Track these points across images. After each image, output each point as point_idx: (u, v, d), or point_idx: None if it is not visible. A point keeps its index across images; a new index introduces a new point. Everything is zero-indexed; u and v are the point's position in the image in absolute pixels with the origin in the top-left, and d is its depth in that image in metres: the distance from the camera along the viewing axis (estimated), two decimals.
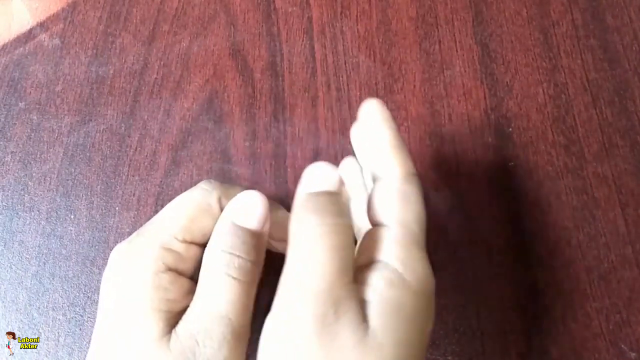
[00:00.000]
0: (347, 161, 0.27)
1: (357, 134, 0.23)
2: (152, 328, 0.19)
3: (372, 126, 0.21)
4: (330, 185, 0.19)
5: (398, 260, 0.18)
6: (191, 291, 0.21)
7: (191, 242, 0.21)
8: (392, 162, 0.20)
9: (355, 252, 0.19)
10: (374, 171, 0.21)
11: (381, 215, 0.19)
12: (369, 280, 0.18)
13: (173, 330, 0.19)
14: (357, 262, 0.19)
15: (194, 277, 0.21)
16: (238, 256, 0.20)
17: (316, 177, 0.19)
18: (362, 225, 0.22)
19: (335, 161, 0.31)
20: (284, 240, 0.21)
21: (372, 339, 0.16)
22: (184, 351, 0.19)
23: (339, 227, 0.17)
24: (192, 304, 0.20)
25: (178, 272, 0.21)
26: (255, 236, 0.21)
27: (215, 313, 0.20)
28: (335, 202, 0.18)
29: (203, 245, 0.22)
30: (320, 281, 0.16)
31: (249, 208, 0.21)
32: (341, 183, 0.19)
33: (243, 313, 0.20)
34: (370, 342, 0.16)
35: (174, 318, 0.20)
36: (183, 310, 0.20)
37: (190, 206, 0.22)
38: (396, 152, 0.20)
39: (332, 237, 0.17)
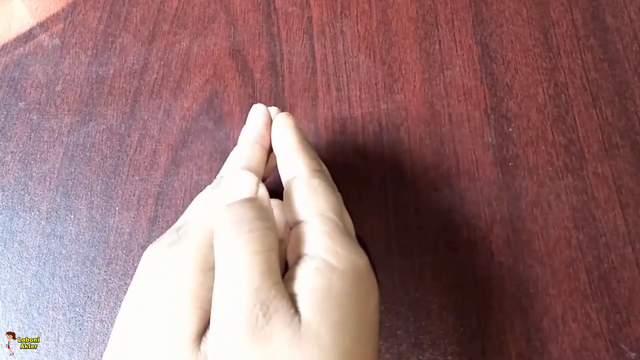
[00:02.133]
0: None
1: (273, 138, 0.24)
2: (191, 325, 0.18)
3: (277, 136, 0.23)
4: (247, 191, 0.19)
5: (322, 248, 0.19)
6: None
7: None
8: (296, 164, 0.22)
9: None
10: (284, 175, 0.22)
11: (297, 212, 0.20)
12: (297, 274, 0.18)
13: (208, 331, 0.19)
14: (289, 262, 0.20)
15: None
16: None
17: (234, 185, 0.20)
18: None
19: (335, 161, 0.32)
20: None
21: (307, 330, 0.17)
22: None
23: (257, 232, 0.18)
24: (211, 319, 0.20)
25: None
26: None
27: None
28: (252, 207, 0.19)
29: None
30: (245, 287, 0.17)
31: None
32: (257, 186, 0.20)
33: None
34: (305, 333, 0.16)
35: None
36: None
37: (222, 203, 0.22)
38: (299, 154, 0.22)
39: (251, 244, 0.17)
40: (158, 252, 0.20)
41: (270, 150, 0.24)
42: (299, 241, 0.20)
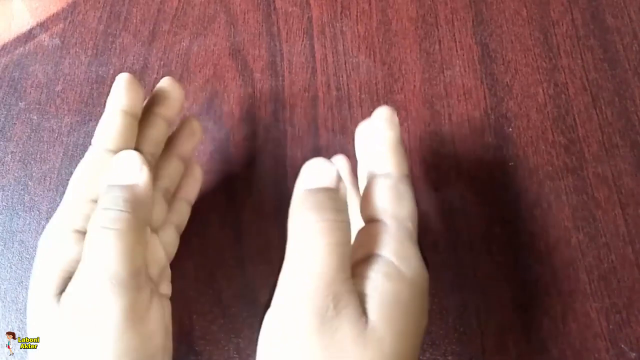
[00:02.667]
0: (336, 159, 0.28)
1: (363, 131, 0.24)
2: (50, 285, 0.20)
3: (378, 127, 0.22)
4: (329, 182, 0.19)
5: (394, 253, 0.19)
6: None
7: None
8: (389, 162, 0.21)
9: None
10: (371, 169, 0.22)
11: (376, 211, 0.20)
12: (367, 273, 0.18)
13: (58, 297, 0.20)
14: (354, 257, 0.19)
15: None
16: (112, 209, 0.20)
17: (314, 173, 0.19)
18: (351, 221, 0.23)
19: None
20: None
21: (372, 332, 0.17)
22: (73, 306, 0.19)
23: (337, 223, 0.17)
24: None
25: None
26: (127, 190, 0.21)
27: (96, 265, 0.20)
28: (334, 198, 0.18)
29: None
30: (320, 277, 0.17)
31: (122, 167, 0.22)
32: (339, 179, 0.19)
33: (128, 260, 0.19)
34: (370, 335, 0.17)
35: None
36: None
37: (90, 167, 0.23)
38: (395, 153, 0.21)
39: (331, 234, 0.17)
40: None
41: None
42: (371, 239, 0.19)
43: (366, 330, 0.17)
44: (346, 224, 0.18)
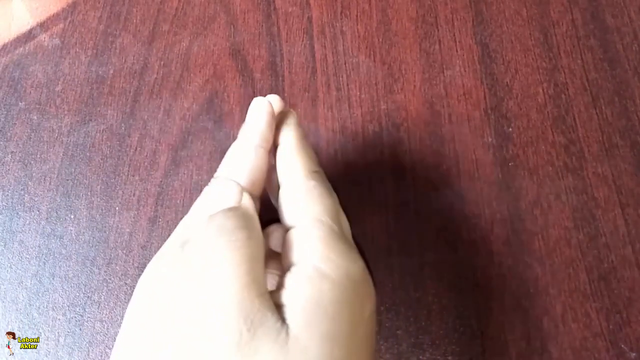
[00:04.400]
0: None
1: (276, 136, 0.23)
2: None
3: (281, 131, 0.22)
4: (230, 201, 0.18)
5: (314, 254, 0.18)
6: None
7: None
8: (293, 164, 0.21)
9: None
10: (280, 176, 0.21)
11: (291, 216, 0.20)
12: (286, 282, 0.18)
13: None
14: (284, 269, 0.19)
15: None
16: (278, 275, 0.21)
17: (216, 194, 0.19)
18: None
19: (336, 161, 0.32)
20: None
21: (295, 344, 0.16)
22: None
23: (239, 242, 0.17)
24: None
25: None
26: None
27: None
28: (235, 217, 0.18)
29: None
30: (227, 301, 0.16)
31: (274, 240, 0.23)
32: (240, 194, 0.19)
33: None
34: (293, 347, 0.16)
35: None
36: None
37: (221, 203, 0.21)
38: (297, 153, 0.21)
39: (231, 254, 0.16)
40: (167, 270, 0.18)
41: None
42: (291, 247, 0.19)
43: (288, 343, 0.16)
44: (250, 240, 0.17)
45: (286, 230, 0.20)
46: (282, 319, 0.16)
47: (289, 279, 0.18)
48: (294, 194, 0.20)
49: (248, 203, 0.19)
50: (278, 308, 0.17)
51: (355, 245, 0.20)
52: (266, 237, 0.25)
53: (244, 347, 0.15)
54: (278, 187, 0.22)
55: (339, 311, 0.17)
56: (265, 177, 0.22)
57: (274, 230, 0.25)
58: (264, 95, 0.34)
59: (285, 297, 0.17)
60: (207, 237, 0.17)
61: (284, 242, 0.20)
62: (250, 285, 0.16)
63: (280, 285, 0.18)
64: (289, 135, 0.22)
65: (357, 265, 0.19)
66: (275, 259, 0.23)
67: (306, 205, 0.20)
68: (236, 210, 0.18)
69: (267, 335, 0.16)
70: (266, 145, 0.22)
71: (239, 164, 0.21)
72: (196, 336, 0.16)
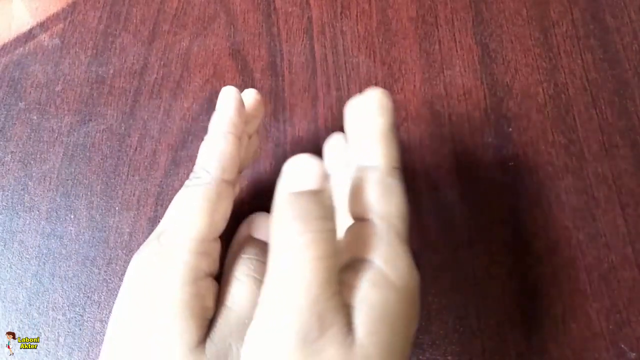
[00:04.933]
0: (335, 137, 0.26)
1: (354, 109, 0.21)
2: (190, 337, 0.18)
3: (368, 111, 0.20)
4: (313, 182, 0.17)
5: (382, 258, 0.17)
6: (217, 292, 0.21)
7: (218, 237, 0.21)
8: (378, 153, 0.19)
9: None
10: (359, 159, 0.20)
11: (363, 208, 0.19)
12: (354, 282, 0.17)
13: (208, 338, 0.19)
14: (341, 260, 0.18)
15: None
16: (256, 260, 0.21)
17: (298, 173, 0.17)
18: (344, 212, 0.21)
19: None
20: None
21: (360, 350, 0.16)
22: (218, 356, 0.18)
23: (323, 234, 0.16)
24: (222, 309, 0.20)
25: (212, 276, 0.20)
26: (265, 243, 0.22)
27: (244, 315, 0.20)
28: (319, 202, 0.17)
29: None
30: (304, 296, 0.15)
31: (258, 228, 0.23)
32: (325, 177, 0.17)
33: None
34: (357, 354, 0.15)
35: (207, 325, 0.19)
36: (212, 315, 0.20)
37: (210, 199, 0.20)
38: (384, 143, 0.19)
39: (316, 247, 0.16)
40: (144, 264, 0.20)
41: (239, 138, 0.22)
42: (356, 242, 0.18)
43: (353, 349, 0.15)
44: (332, 233, 0.16)
45: (353, 219, 0.19)
46: (349, 322, 0.16)
47: (357, 279, 0.17)
48: (371, 186, 0.19)
49: (330, 192, 0.17)
50: (346, 308, 0.16)
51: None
52: (248, 224, 0.26)
53: (311, 343, 0.15)
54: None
55: (400, 323, 0.17)
56: (237, 163, 0.22)
57: (256, 218, 0.26)
58: (264, 96, 0.34)
59: (355, 298, 0.17)
60: (289, 221, 0.16)
61: (350, 233, 0.19)
62: (327, 283, 0.16)
63: (347, 284, 0.17)
64: (380, 119, 0.20)
65: (416, 278, 0.18)
66: (254, 245, 0.23)
67: (383, 202, 0.18)
68: (322, 196, 0.17)
69: (335, 338, 0.15)
70: (235, 131, 0.21)
71: (210, 152, 0.21)
72: (265, 321, 0.16)
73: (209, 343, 0.19)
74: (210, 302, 0.20)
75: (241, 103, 0.22)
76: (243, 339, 0.18)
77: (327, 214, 0.17)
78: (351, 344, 0.15)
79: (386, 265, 0.17)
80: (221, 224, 0.21)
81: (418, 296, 0.18)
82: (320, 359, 0.15)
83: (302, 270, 0.15)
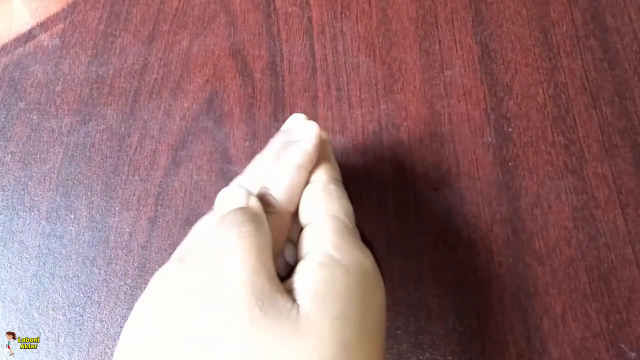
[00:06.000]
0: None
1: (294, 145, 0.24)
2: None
3: (308, 144, 0.23)
4: (239, 203, 0.20)
5: (327, 243, 0.19)
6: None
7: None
8: (320, 170, 0.23)
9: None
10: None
11: (310, 212, 0.21)
12: (300, 269, 0.19)
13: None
14: (297, 258, 0.20)
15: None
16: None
17: (226, 199, 0.21)
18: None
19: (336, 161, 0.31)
20: None
21: (306, 321, 0.17)
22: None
23: (246, 232, 0.18)
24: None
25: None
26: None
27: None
28: (242, 213, 0.19)
29: None
30: (239, 283, 0.17)
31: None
32: (248, 196, 0.20)
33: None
34: (304, 325, 0.17)
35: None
36: None
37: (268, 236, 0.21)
38: (323, 163, 0.23)
39: (240, 243, 0.18)
40: (176, 278, 0.19)
41: None
42: (307, 239, 0.20)
43: (299, 321, 0.17)
44: (258, 231, 0.19)
45: (301, 228, 0.21)
46: (293, 300, 0.17)
47: (301, 265, 0.19)
48: (313, 195, 0.22)
49: (256, 205, 0.20)
50: (289, 293, 0.18)
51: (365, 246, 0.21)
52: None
53: (256, 325, 0.16)
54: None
55: (349, 295, 0.18)
56: (300, 195, 0.23)
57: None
58: (264, 96, 0.34)
59: (297, 281, 0.18)
60: (217, 232, 0.19)
61: (300, 238, 0.21)
62: (259, 270, 0.18)
63: (295, 272, 0.19)
64: (310, 148, 0.23)
65: (368, 258, 0.20)
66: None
67: (323, 203, 0.21)
68: (244, 209, 0.20)
69: (279, 313, 0.17)
70: (309, 167, 0.23)
71: (281, 181, 0.22)
72: (209, 319, 0.17)
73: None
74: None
75: (321, 140, 0.24)
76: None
77: (249, 218, 0.19)
78: (296, 317, 0.17)
79: (333, 249, 0.19)
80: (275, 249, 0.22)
81: (372, 274, 0.19)
82: (270, 335, 0.16)
83: (233, 263, 0.18)
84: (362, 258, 0.19)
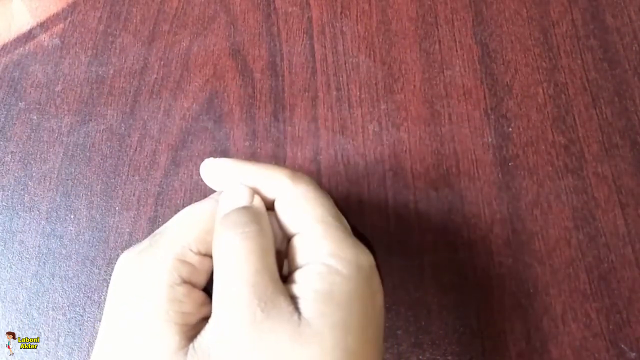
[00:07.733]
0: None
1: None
2: (169, 341, 0.18)
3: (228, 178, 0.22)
4: (242, 202, 0.20)
5: (325, 254, 0.19)
6: (204, 303, 0.20)
7: (205, 254, 0.21)
8: (276, 177, 0.21)
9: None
10: (270, 192, 0.21)
11: (292, 224, 0.20)
12: (296, 278, 0.18)
13: (190, 344, 0.19)
14: (290, 270, 0.20)
15: (207, 290, 0.21)
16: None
17: (229, 198, 0.20)
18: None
19: (335, 161, 0.32)
20: None
21: (308, 328, 0.17)
22: None
23: (250, 233, 0.18)
24: (211, 318, 0.20)
25: (192, 285, 0.20)
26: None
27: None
28: (246, 213, 0.19)
29: None
30: (241, 283, 0.17)
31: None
32: (252, 196, 0.20)
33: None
34: (306, 331, 0.16)
35: (190, 331, 0.19)
36: (198, 323, 0.20)
37: (204, 217, 0.21)
38: (271, 173, 0.21)
39: (245, 243, 0.18)
40: (130, 261, 0.20)
41: None
42: (299, 251, 0.19)
43: (301, 327, 0.17)
44: (262, 231, 0.19)
45: (288, 239, 0.20)
46: (295, 306, 0.17)
47: (299, 274, 0.18)
48: (289, 203, 0.20)
49: (259, 204, 0.20)
50: (291, 298, 0.18)
51: (360, 241, 0.20)
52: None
53: (257, 326, 0.16)
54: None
55: (351, 302, 0.18)
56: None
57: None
58: (264, 96, 0.34)
59: (297, 290, 0.18)
60: (220, 232, 0.19)
61: (288, 249, 0.20)
62: (262, 271, 0.17)
63: (290, 281, 0.18)
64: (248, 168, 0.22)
65: (366, 259, 0.19)
66: None
67: (304, 210, 0.20)
68: (248, 209, 0.20)
69: (281, 316, 0.17)
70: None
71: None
72: (217, 317, 0.17)
73: (190, 350, 0.19)
74: (189, 308, 0.19)
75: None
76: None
77: (255, 219, 0.19)
78: (298, 322, 0.17)
79: (329, 258, 0.18)
80: (211, 244, 0.21)
81: (372, 276, 0.19)
82: (271, 338, 0.16)
83: (237, 263, 0.18)
84: (360, 260, 0.19)
